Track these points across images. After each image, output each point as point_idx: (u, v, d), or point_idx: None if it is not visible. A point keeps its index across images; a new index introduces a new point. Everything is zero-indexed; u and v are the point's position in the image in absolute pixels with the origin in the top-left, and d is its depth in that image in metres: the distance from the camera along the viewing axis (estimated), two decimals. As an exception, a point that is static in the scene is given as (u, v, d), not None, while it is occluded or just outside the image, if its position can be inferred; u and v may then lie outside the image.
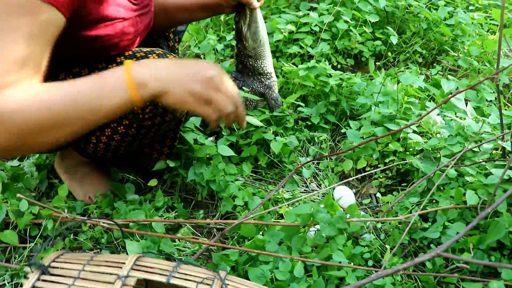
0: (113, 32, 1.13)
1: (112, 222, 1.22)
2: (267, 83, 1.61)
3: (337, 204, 1.21)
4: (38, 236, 1.30)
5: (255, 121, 1.48)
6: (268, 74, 1.60)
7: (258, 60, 1.55)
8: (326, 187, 1.54)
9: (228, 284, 0.89)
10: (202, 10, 1.53)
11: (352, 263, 1.15)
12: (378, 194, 1.49)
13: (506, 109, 1.68)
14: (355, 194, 1.53)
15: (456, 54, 2.08)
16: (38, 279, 0.92)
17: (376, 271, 1.09)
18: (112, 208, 1.41)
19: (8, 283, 1.21)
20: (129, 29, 1.17)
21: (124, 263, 0.95)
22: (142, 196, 1.46)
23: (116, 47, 1.18)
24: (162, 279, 0.92)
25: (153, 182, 1.46)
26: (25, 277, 1.22)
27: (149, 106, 1.18)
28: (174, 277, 0.91)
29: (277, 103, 1.63)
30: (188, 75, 0.88)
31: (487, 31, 2.29)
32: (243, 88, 1.57)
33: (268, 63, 1.59)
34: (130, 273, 0.92)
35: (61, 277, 0.93)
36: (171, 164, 1.40)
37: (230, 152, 1.41)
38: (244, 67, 1.59)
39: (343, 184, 1.51)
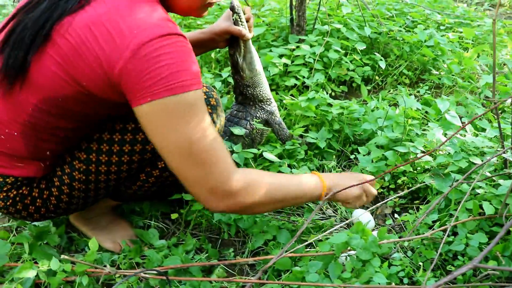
0: None
1: (154, 272, 1.24)
2: (268, 109, 1.67)
3: (368, 229, 1.27)
4: (73, 294, 1.30)
5: (271, 156, 1.54)
6: (268, 100, 1.67)
7: (256, 88, 1.62)
8: (342, 211, 1.60)
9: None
10: (197, 46, 1.57)
11: (392, 283, 1.20)
12: (387, 209, 1.57)
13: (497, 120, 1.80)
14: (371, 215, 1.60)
15: (438, 73, 2.21)
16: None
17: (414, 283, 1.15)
18: (141, 256, 1.42)
19: None
20: None
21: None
22: (169, 241, 1.48)
23: None
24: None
25: (174, 216, 1.50)
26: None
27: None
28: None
29: (281, 127, 1.69)
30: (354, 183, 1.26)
31: (463, 49, 2.45)
32: (252, 120, 1.63)
33: (266, 90, 1.66)
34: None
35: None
36: (187, 197, 1.44)
37: (254, 189, 1.45)
38: (245, 98, 1.65)
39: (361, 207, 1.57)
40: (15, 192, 1.25)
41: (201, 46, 1.57)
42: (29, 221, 1.43)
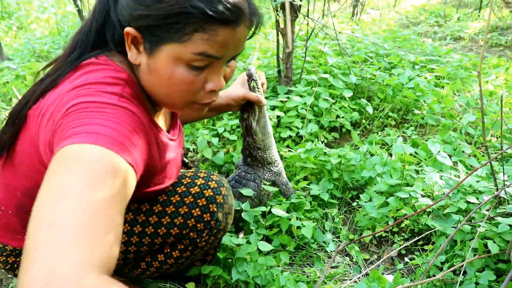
0: (167, 179, 1.16)
1: None
2: (275, 170, 1.72)
3: (384, 277, 1.33)
4: None
5: (280, 212, 1.59)
6: (276, 162, 1.72)
7: (267, 151, 1.66)
8: (352, 257, 1.65)
9: None
10: (212, 110, 1.60)
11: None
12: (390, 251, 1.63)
13: (483, 158, 1.92)
14: (377, 259, 1.66)
15: (420, 112, 2.33)
16: None
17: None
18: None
19: None
20: (176, 166, 1.20)
21: None
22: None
23: (166, 188, 1.21)
24: None
25: (190, 286, 1.50)
26: None
27: (205, 230, 1.22)
28: None
29: (287, 187, 1.74)
30: None
31: (439, 87, 2.59)
32: (260, 181, 1.68)
33: (275, 152, 1.70)
34: None
35: None
36: (206, 271, 1.45)
37: (269, 247, 1.49)
38: (254, 160, 1.69)
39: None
40: (13, 259, 1.25)
41: (217, 110, 1.59)
42: None
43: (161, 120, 1.14)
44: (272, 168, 1.71)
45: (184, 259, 1.30)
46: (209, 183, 1.23)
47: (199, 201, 1.20)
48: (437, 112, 2.29)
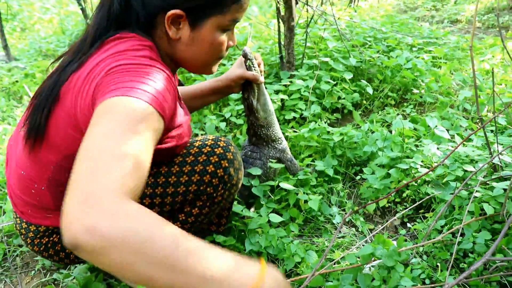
0: (184, 135, 1.27)
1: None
2: (280, 147, 1.80)
3: (389, 240, 1.43)
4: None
5: (288, 186, 1.68)
6: (280, 139, 1.80)
7: (270, 128, 1.74)
8: (357, 227, 1.75)
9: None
10: (214, 94, 1.71)
11: (416, 285, 1.35)
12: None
13: (479, 131, 2.01)
14: (382, 229, 1.75)
15: (418, 91, 2.42)
16: None
17: (440, 286, 1.31)
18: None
19: None
20: (188, 127, 1.30)
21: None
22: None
23: (177, 149, 1.34)
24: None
25: None
26: None
27: (220, 184, 1.33)
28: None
29: (292, 163, 1.83)
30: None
31: (436, 67, 2.68)
32: (266, 159, 1.77)
33: (278, 129, 1.79)
34: None
35: None
36: (220, 239, 1.56)
37: (279, 219, 1.60)
38: (259, 138, 1.76)
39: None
40: (46, 239, 1.35)
41: (218, 92, 1.69)
42: (62, 264, 1.51)
43: None
44: (276, 146, 1.79)
45: (203, 216, 1.40)
46: (218, 143, 1.35)
47: (211, 158, 1.32)
48: (435, 90, 2.38)
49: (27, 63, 3.91)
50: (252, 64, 1.62)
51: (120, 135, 0.79)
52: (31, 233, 1.34)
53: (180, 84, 1.77)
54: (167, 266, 0.69)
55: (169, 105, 0.98)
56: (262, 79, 1.66)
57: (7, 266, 1.79)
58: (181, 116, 1.26)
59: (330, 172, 1.87)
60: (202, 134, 2.30)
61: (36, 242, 1.35)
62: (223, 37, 1.18)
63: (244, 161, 1.79)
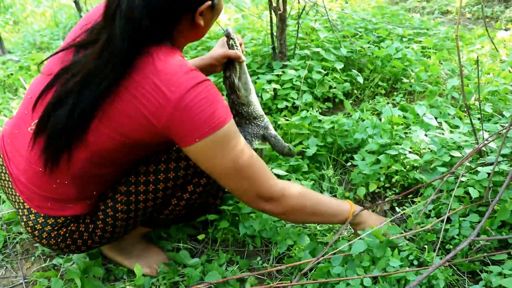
0: None
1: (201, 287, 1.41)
2: (262, 124, 1.83)
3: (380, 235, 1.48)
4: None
5: (280, 172, 1.74)
6: (262, 117, 1.82)
7: (251, 106, 1.77)
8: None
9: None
10: None
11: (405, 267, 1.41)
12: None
13: (466, 118, 2.07)
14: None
15: (408, 81, 2.48)
16: None
17: (425, 268, 1.36)
18: (180, 275, 1.59)
19: None
20: None
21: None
22: (201, 259, 1.65)
23: None
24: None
25: (201, 237, 1.69)
26: None
27: None
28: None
29: (277, 139, 1.84)
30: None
31: (426, 57, 2.74)
32: (252, 138, 1.80)
33: (259, 107, 1.80)
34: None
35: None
36: (212, 217, 1.61)
37: (272, 203, 1.65)
38: (241, 117, 1.77)
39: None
40: (64, 230, 1.40)
41: (202, 71, 1.74)
42: (76, 253, 1.57)
43: None
44: (259, 123, 1.82)
45: (196, 197, 1.50)
46: None
47: None
48: (424, 80, 2.43)
49: (21, 56, 3.93)
50: (234, 43, 1.66)
51: (235, 153, 1.25)
52: (48, 226, 1.38)
53: None
54: (313, 213, 1.45)
55: None
56: (243, 57, 1.71)
57: (8, 252, 1.83)
58: None
59: (313, 150, 1.91)
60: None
61: (53, 235, 1.40)
62: None
63: None
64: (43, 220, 1.37)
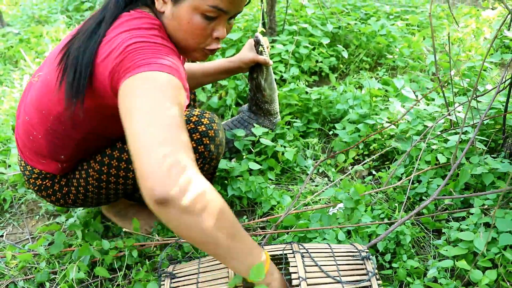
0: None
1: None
2: (274, 121, 2.01)
3: (349, 183, 1.63)
4: (124, 267, 1.59)
5: (267, 141, 1.88)
6: (276, 114, 2.00)
7: (272, 104, 1.95)
8: (328, 177, 1.96)
9: (301, 245, 1.27)
10: (225, 73, 1.92)
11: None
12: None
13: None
14: (351, 178, 1.96)
15: (392, 57, 2.60)
16: (171, 283, 1.25)
17: (393, 223, 1.52)
18: (171, 232, 1.74)
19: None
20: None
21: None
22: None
23: None
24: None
25: None
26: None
27: (200, 159, 1.49)
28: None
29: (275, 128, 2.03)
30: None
31: (410, 34, 2.85)
32: (255, 125, 1.95)
33: (277, 106, 1.99)
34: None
35: (186, 277, 1.26)
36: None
37: (257, 166, 1.79)
38: (259, 110, 1.96)
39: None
40: (40, 182, 1.54)
41: (229, 72, 1.90)
42: (56, 205, 1.68)
43: None
44: (272, 119, 2.00)
45: None
46: (202, 120, 1.48)
47: (193, 135, 1.46)
48: (407, 56, 2.56)
49: (21, 28, 4.01)
50: (263, 49, 1.80)
51: (163, 105, 0.99)
52: (27, 172, 1.54)
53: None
54: (231, 233, 0.99)
55: (185, 78, 1.15)
56: (271, 62, 1.85)
57: (14, 212, 1.98)
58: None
59: (308, 130, 2.06)
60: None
61: (31, 182, 1.56)
62: (203, 22, 1.20)
63: (240, 122, 1.99)
64: (24, 164, 1.53)
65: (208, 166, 1.54)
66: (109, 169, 1.48)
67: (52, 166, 1.50)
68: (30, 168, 1.52)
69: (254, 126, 1.95)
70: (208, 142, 1.47)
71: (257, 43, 1.81)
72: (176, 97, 1.03)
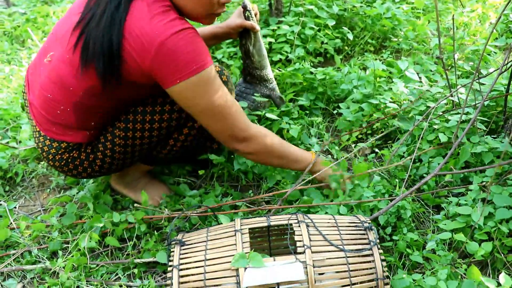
0: None
1: (208, 209, 1.62)
2: (270, 86, 2.04)
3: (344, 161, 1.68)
4: (134, 237, 1.65)
5: (273, 116, 1.92)
6: (271, 79, 2.04)
7: (263, 70, 1.98)
8: (332, 155, 2.00)
9: (306, 216, 1.32)
10: (214, 39, 1.95)
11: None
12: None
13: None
14: (355, 156, 2.00)
15: (396, 39, 2.63)
16: (181, 250, 1.30)
17: (394, 199, 1.57)
18: (180, 204, 1.79)
19: (122, 276, 1.57)
20: None
21: (233, 225, 1.35)
22: (198, 191, 1.85)
23: None
24: (264, 224, 1.33)
25: (201, 172, 1.90)
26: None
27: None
28: (271, 221, 1.33)
29: (282, 100, 2.07)
30: None
31: (415, 17, 2.88)
32: (255, 94, 2.00)
33: (269, 71, 2.02)
34: (242, 227, 1.32)
35: (195, 244, 1.32)
36: (212, 157, 1.79)
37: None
38: (253, 78, 2.00)
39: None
40: (67, 155, 1.60)
41: (218, 38, 1.94)
42: (78, 178, 1.77)
43: None
44: (267, 85, 2.03)
45: (196, 134, 1.69)
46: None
47: None
48: (411, 39, 2.59)
49: (26, 8, 4.03)
50: (250, 14, 1.84)
51: (215, 95, 1.42)
52: (53, 149, 1.58)
53: None
54: (283, 160, 1.65)
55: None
56: (258, 27, 1.88)
57: (26, 185, 2.04)
58: None
59: (307, 102, 2.11)
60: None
61: (57, 158, 1.60)
62: None
63: (238, 95, 2.03)
64: (49, 143, 1.57)
65: None
66: (134, 130, 1.57)
67: (80, 136, 1.57)
68: (57, 144, 1.57)
69: (253, 95, 1.99)
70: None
71: (245, 9, 1.84)
72: (219, 82, 1.43)
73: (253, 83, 2.02)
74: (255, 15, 1.89)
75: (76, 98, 1.46)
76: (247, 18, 1.85)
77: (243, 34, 1.91)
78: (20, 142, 2.21)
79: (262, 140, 1.55)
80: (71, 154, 1.60)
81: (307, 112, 2.15)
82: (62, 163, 1.61)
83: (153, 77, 1.38)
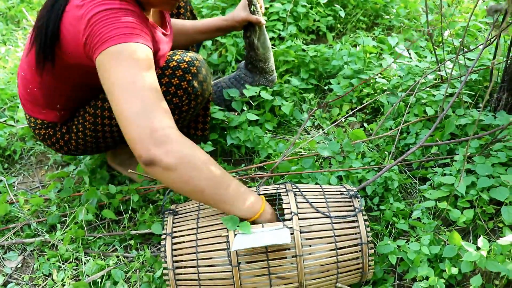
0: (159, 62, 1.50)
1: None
2: (270, 79, 2.07)
3: (340, 129, 1.73)
4: (130, 210, 1.71)
5: (266, 95, 1.96)
6: (272, 72, 2.06)
7: (266, 62, 2.00)
8: (323, 129, 2.05)
9: (294, 185, 1.37)
10: (218, 31, 1.97)
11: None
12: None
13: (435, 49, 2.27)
14: (345, 131, 2.05)
15: (388, 17, 2.66)
16: (174, 219, 1.35)
17: (382, 169, 1.62)
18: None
19: (119, 247, 1.62)
20: (165, 55, 1.54)
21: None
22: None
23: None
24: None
25: None
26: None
27: (184, 95, 1.56)
28: (260, 191, 1.38)
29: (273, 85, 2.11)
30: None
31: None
32: (247, 86, 2.02)
33: (272, 64, 2.05)
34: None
35: (187, 213, 1.37)
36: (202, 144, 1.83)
37: (255, 117, 1.89)
38: (254, 68, 2.02)
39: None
40: (44, 131, 1.66)
41: (223, 30, 1.96)
42: (61, 153, 1.77)
43: (152, 20, 1.48)
44: (267, 77, 2.06)
45: (176, 122, 1.59)
46: (184, 58, 1.56)
47: (176, 72, 1.54)
48: (403, 16, 2.62)
49: (21, -11, 4.03)
50: (256, 8, 1.86)
51: (141, 76, 1.16)
52: (32, 124, 1.65)
53: (194, 17, 2.02)
54: (215, 182, 1.17)
55: (149, 38, 1.28)
56: (264, 22, 1.90)
57: (24, 162, 2.08)
58: (163, 44, 1.49)
59: (303, 86, 2.14)
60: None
61: (36, 132, 1.68)
62: None
63: (236, 80, 2.05)
64: (28, 117, 1.65)
65: (194, 103, 1.61)
66: (102, 117, 1.57)
67: (51, 115, 1.61)
68: (34, 120, 1.63)
69: (250, 85, 2.01)
70: (190, 78, 1.55)
71: (250, 3, 1.86)
72: (147, 64, 1.19)
73: (254, 72, 2.04)
74: (260, 7, 1.92)
75: (39, 78, 1.48)
76: (252, 12, 1.88)
77: (248, 27, 1.94)
78: (17, 121, 2.25)
79: (188, 148, 1.15)
80: (47, 131, 1.66)
81: (301, 91, 2.19)
82: (41, 138, 1.69)
83: (88, 56, 1.27)
